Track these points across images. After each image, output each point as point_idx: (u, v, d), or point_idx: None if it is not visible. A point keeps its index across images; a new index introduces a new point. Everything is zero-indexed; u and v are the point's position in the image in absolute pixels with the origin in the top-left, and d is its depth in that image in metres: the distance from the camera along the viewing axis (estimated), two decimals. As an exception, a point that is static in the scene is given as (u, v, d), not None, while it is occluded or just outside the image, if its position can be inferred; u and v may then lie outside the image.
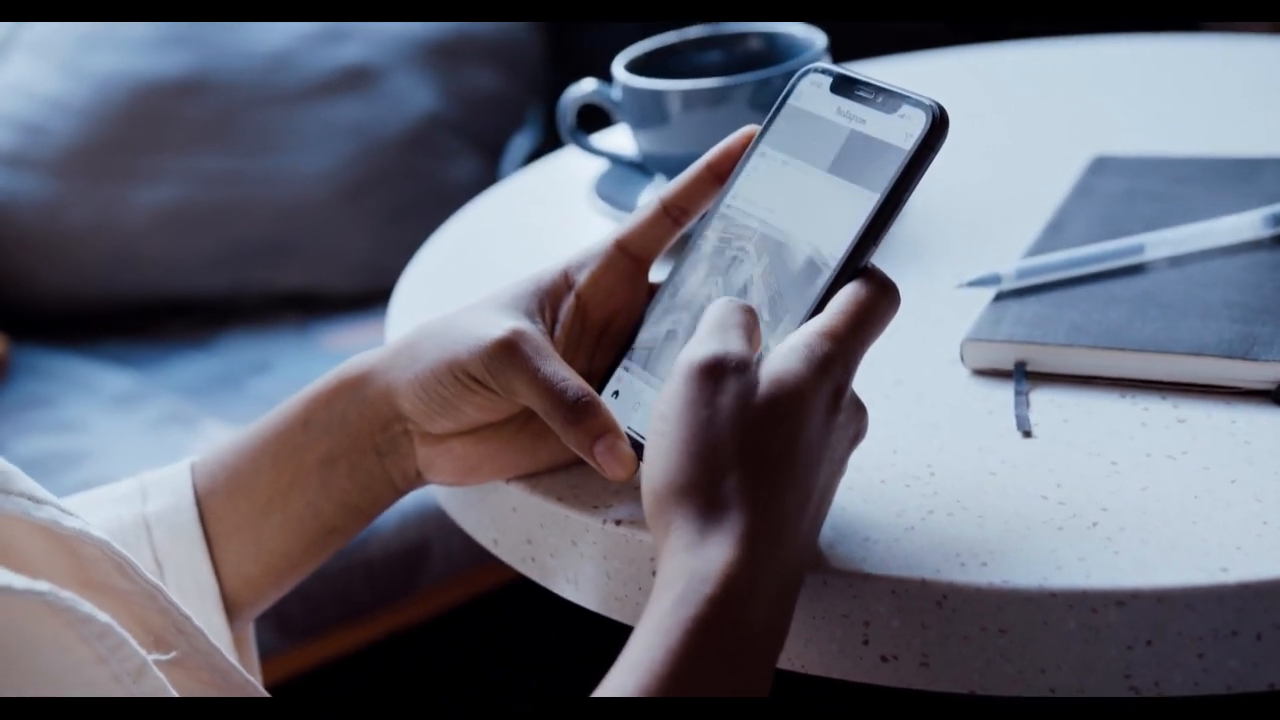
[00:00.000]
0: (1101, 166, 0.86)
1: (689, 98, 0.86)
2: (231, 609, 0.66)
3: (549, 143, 1.80)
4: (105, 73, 1.55)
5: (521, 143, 1.83)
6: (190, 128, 1.54)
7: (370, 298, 1.55)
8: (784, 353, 0.55)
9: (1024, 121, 1.02)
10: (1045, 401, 0.67)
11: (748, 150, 0.63)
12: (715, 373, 0.54)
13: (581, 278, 0.64)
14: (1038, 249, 0.77)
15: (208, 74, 1.55)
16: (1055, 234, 0.79)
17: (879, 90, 0.60)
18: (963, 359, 0.70)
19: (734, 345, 0.55)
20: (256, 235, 1.55)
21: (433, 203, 1.59)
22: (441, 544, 1.26)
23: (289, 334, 1.52)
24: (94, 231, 1.53)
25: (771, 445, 0.53)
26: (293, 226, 1.55)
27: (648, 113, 0.89)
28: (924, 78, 1.14)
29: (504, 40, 1.67)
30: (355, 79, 1.57)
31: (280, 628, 1.21)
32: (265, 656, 0.72)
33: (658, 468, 0.54)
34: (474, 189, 1.61)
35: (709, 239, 0.63)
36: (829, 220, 0.59)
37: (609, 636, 0.64)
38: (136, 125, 1.53)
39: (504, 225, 0.98)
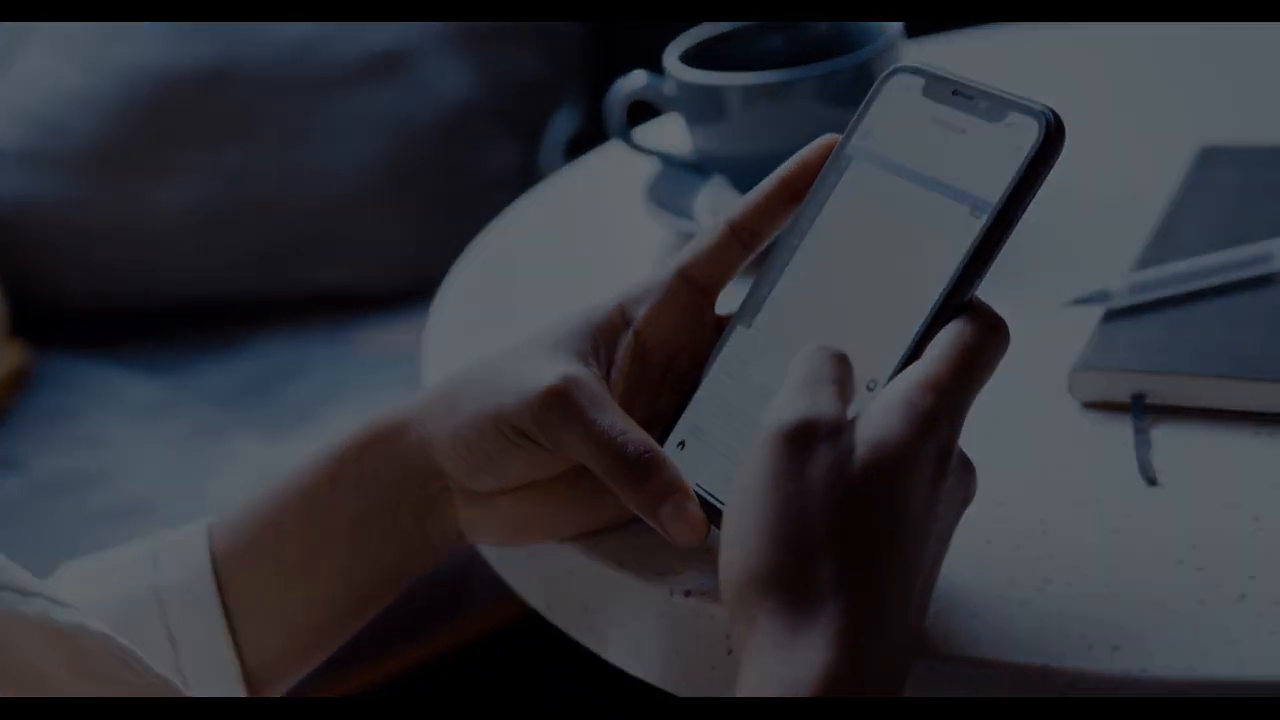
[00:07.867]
0: (1211, 158, 0.78)
1: (750, 93, 0.78)
2: (254, 688, 0.60)
3: (590, 124, 1.72)
4: (125, 66, 1.48)
5: (562, 124, 1.74)
6: (215, 121, 1.47)
7: (409, 295, 1.47)
8: (881, 411, 0.47)
9: (1115, 107, 0.93)
10: (1169, 440, 0.59)
11: (827, 163, 0.55)
12: (804, 440, 0.46)
13: (640, 312, 0.56)
14: (1149, 258, 0.69)
15: (231, 64, 1.47)
16: (1167, 240, 0.70)
17: (981, 94, 0.52)
18: (1071, 390, 0.62)
19: (825, 406, 0.47)
20: (287, 232, 1.47)
21: (472, 193, 1.51)
22: (485, 566, 1.19)
23: (323, 336, 1.45)
24: (117, 232, 1.47)
25: (872, 522, 0.45)
26: (325, 222, 1.48)
27: (704, 109, 0.81)
28: (995, 57, 1.04)
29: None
30: (386, 65, 1.49)
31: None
32: (299, 688, 0.66)
33: (738, 552, 0.46)
34: (514, 177, 1.54)
35: (785, 264, 0.55)
36: (926, 246, 0.52)
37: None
38: (159, 120, 1.46)
39: (549, 231, 0.91)
